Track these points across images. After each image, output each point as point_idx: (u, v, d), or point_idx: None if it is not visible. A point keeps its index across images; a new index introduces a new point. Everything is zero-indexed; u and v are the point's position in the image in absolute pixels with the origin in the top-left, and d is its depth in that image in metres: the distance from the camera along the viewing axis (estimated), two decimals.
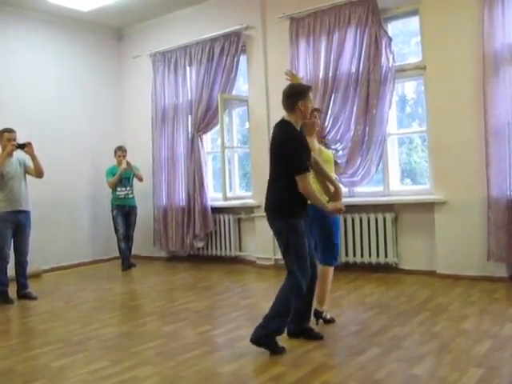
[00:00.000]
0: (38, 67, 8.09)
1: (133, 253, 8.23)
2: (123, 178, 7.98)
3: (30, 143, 6.09)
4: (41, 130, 7.72)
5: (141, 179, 8.13)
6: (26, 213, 6.13)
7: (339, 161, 6.52)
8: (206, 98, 7.82)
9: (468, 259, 5.93)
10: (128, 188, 8.05)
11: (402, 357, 3.68)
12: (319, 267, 4.35)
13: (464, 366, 3.43)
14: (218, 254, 8.08)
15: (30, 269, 6.48)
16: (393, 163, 6.71)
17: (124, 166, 7.90)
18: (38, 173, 6.24)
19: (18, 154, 6.21)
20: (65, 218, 8.29)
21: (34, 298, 6.14)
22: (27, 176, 6.25)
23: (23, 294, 6.17)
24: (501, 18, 5.56)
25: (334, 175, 4.47)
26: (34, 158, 6.14)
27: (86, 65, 8.73)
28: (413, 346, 3.89)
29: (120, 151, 8.06)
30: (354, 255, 6.68)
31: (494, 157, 5.63)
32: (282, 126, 3.98)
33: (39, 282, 7.19)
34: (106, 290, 6.65)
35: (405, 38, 6.96)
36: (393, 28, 6.68)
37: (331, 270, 4.54)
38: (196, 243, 8.06)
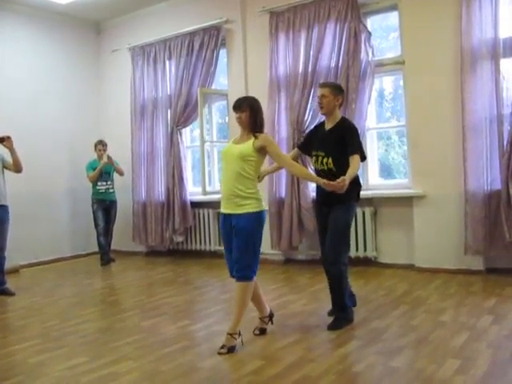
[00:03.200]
0: (14, 60, 7.97)
1: (112, 248, 8.19)
2: (104, 172, 7.92)
3: (9, 137, 6.01)
4: (18, 124, 7.62)
5: (121, 173, 8.10)
6: (3, 207, 6.04)
7: None
8: (185, 92, 7.78)
9: (446, 253, 5.99)
10: (109, 182, 8.00)
11: (381, 349, 3.71)
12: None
13: (441, 357, 3.48)
14: (198, 248, 8.07)
15: (7, 264, 6.40)
16: (372, 158, 6.74)
17: (105, 160, 7.84)
18: (17, 167, 6.16)
19: None
20: (43, 213, 8.21)
21: (12, 294, 6.07)
22: (5, 171, 6.17)
23: (1, 290, 6.09)
24: (478, 14, 5.62)
25: None
26: (12, 152, 6.05)
27: (63, 58, 8.63)
28: (391, 339, 3.93)
29: (100, 145, 8.00)
30: None
31: (472, 151, 5.70)
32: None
33: (17, 278, 7.12)
34: (84, 285, 6.60)
35: (383, 33, 6.99)
36: (372, 23, 6.71)
37: None
38: (175, 238, 8.04)
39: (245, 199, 3.85)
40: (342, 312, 4.33)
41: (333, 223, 4.29)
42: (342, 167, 4.14)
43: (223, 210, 3.99)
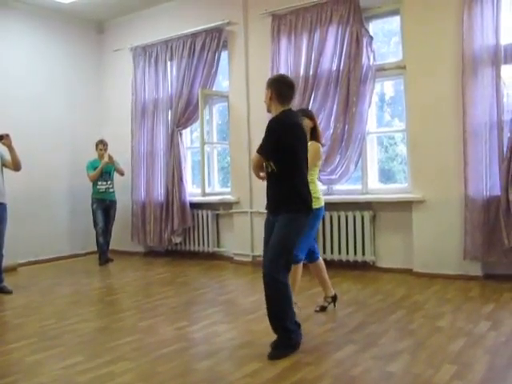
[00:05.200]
0: (16, 59, 7.98)
1: (110, 247, 8.18)
2: (104, 172, 7.92)
3: (7, 135, 6.00)
4: (19, 122, 7.63)
5: (122, 173, 8.10)
6: (2, 205, 6.03)
7: None
8: (186, 93, 7.79)
9: (444, 258, 5.99)
10: (109, 182, 8.00)
11: (378, 354, 3.71)
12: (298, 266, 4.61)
13: (439, 362, 3.47)
14: (196, 249, 8.07)
15: (6, 262, 6.39)
16: (371, 162, 6.75)
17: (106, 159, 7.85)
18: (16, 165, 6.15)
19: None
20: (43, 212, 8.21)
21: (10, 292, 6.06)
22: (4, 169, 6.17)
23: None
24: (479, 20, 5.63)
25: None
26: (11, 149, 6.05)
27: (65, 57, 8.64)
28: (388, 344, 3.93)
29: (101, 145, 8.01)
30: (332, 252, 6.71)
31: (472, 157, 5.70)
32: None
33: (15, 276, 7.10)
34: (82, 284, 6.59)
35: (384, 38, 7.00)
36: (373, 27, 6.72)
37: None
38: (174, 238, 8.04)
39: None
40: (281, 338, 3.79)
41: (274, 235, 3.81)
42: (284, 169, 3.79)
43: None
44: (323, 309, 4.84)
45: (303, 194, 3.87)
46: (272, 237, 3.82)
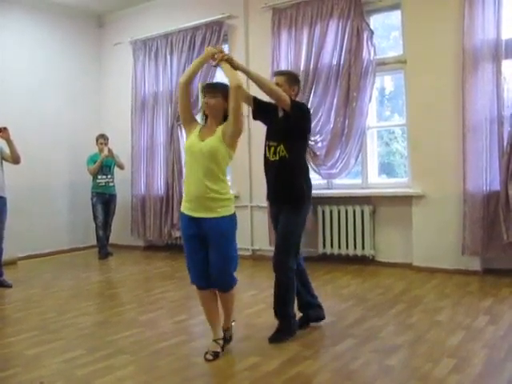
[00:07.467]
0: (15, 53, 7.96)
1: (110, 241, 8.19)
2: (104, 165, 7.93)
3: (5, 128, 6.00)
4: (18, 116, 7.62)
5: (122, 167, 8.10)
6: (2, 199, 6.04)
7: (318, 152, 6.56)
8: None
9: (443, 253, 6.00)
10: (109, 176, 8.01)
11: (377, 348, 3.72)
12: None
13: (437, 356, 3.49)
14: None
15: (5, 256, 6.39)
16: (371, 156, 6.75)
17: (105, 153, 7.84)
18: (15, 159, 6.15)
19: None
20: (43, 206, 8.21)
21: (10, 286, 6.07)
22: (4, 162, 6.17)
23: None
24: (481, 15, 5.61)
25: None
26: (10, 143, 6.05)
27: (65, 51, 8.62)
28: (388, 337, 3.94)
29: (102, 139, 8.01)
30: (332, 247, 6.72)
31: (471, 152, 5.70)
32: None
33: (15, 270, 7.11)
34: (82, 278, 6.60)
35: (385, 32, 6.98)
36: (374, 21, 6.70)
37: None
38: (174, 232, 8.04)
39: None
40: (283, 323, 4.00)
41: (282, 226, 3.99)
42: (295, 153, 3.94)
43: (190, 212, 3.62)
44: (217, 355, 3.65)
45: (309, 182, 4.09)
46: (281, 227, 4.00)
